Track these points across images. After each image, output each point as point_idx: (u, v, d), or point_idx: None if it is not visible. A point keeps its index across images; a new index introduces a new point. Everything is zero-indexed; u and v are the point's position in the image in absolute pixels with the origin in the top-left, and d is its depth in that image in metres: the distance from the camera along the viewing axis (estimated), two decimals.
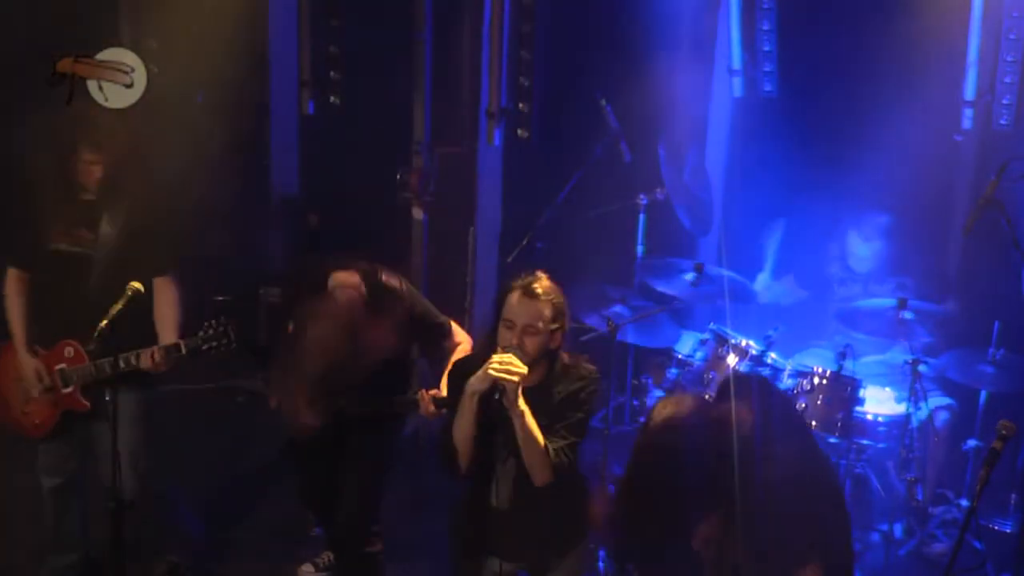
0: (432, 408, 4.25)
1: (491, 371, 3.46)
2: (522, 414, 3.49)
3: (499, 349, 3.54)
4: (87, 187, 4.31)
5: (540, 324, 3.54)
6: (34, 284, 4.43)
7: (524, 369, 3.47)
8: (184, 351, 4.21)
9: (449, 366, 4.09)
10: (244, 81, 6.79)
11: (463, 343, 4.45)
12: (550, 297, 3.58)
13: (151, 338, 4.34)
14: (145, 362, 4.23)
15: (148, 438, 4.46)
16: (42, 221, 4.36)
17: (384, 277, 4.38)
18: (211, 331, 4.16)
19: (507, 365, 3.46)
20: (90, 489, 4.61)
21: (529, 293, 3.56)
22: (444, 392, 4.06)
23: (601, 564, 4.97)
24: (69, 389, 4.33)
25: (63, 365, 4.35)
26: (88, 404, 4.36)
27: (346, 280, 4.26)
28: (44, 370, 4.40)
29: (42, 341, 4.44)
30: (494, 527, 3.72)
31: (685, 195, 5.93)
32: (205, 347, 4.17)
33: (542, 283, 3.61)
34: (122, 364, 4.23)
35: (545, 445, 3.55)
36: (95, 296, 4.27)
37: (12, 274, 4.48)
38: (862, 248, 5.65)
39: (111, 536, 4.12)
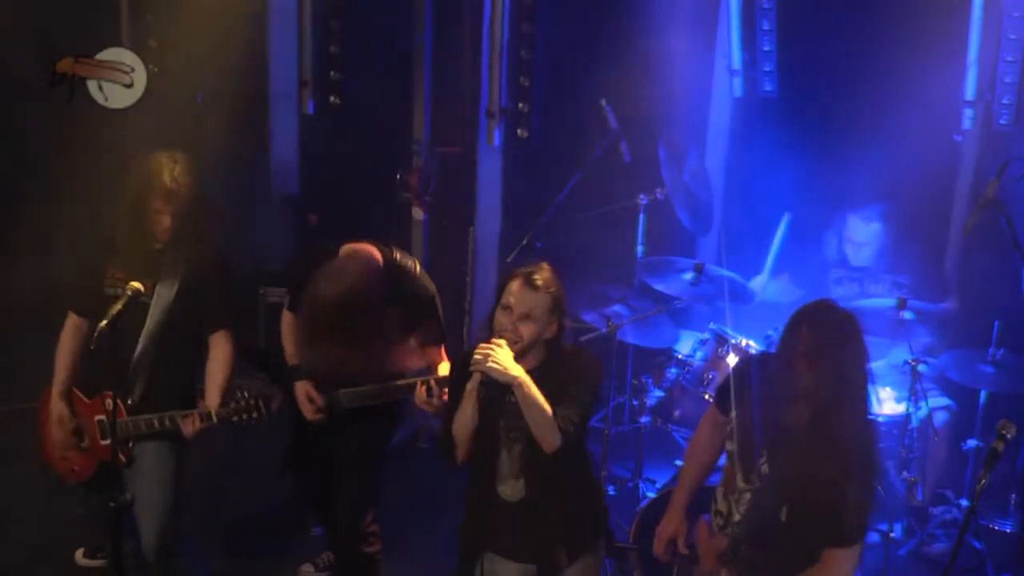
0: (426, 397, 4.26)
1: (474, 366, 3.52)
2: (521, 383, 3.51)
3: (495, 332, 3.59)
4: (156, 236, 4.27)
5: (536, 313, 3.58)
6: (90, 331, 4.34)
7: (503, 348, 3.52)
8: (216, 420, 4.25)
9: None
10: (244, 81, 6.79)
11: (444, 363, 4.45)
12: (550, 289, 3.62)
13: (191, 394, 4.37)
14: (186, 428, 4.26)
15: (174, 500, 4.42)
16: (107, 265, 4.32)
17: (399, 256, 4.44)
18: (242, 403, 4.21)
19: (485, 350, 3.51)
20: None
21: (529, 282, 3.61)
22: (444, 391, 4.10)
23: None
24: (107, 442, 4.28)
25: (102, 417, 4.32)
26: (124, 459, 4.32)
27: (361, 247, 4.34)
28: (69, 418, 4.38)
29: (86, 389, 4.40)
30: (502, 522, 3.72)
31: (685, 195, 5.93)
32: (235, 418, 4.23)
33: (543, 274, 3.65)
34: (157, 424, 4.26)
35: (551, 410, 3.56)
36: (147, 347, 4.28)
37: (71, 319, 4.44)
38: (860, 232, 5.59)
39: (111, 536, 4.12)
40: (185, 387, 4.41)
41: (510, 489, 3.71)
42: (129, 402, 4.28)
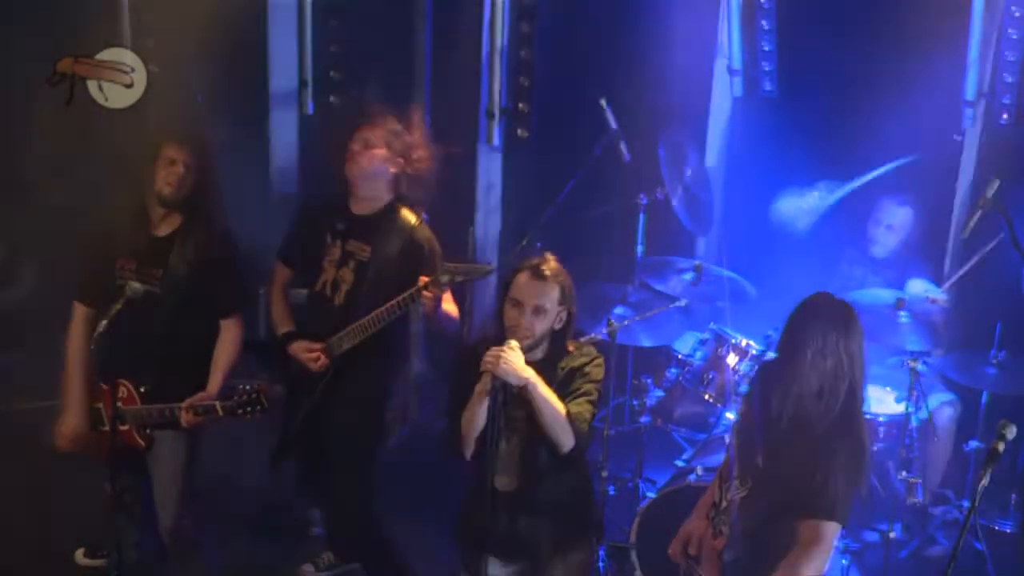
0: (430, 294, 4.26)
1: (485, 367, 3.52)
2: (534, 384, 3.51)
3: (505, 328, 3.59)
4: (163, 193, 4.26)
5: (548, 305, 3.57)
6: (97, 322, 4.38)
7: (514, 350, 3.52)
8: (221, 413, 4.25)
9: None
10: (244, 81, 6.78)
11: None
12: (558, 278, 3.61)
13: (206, 380, 4.37)
14: (184, 420, 4.27)
15: (190, 490, 4.48)
16: (113, 253, 4.33)
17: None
18: (244, 397, 4.21)
19: (496, 352, 3.51)
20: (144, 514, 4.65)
21: (538, 274, 3.59)
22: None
23: (601, 564, 4.97)
24: (125, 427, 4.32)
25: (118, 404, 4.33)
26: (143, 443, 4.37)
27: None
28: (84, 427, 4.39)
29: (104, 375, 4.40)
30: (497, 516, 3.72)
31: (685, 195, 5.93)
32: (240, 411, 4.23)
33: (550, 264, 3.65)
34: (168, 413, 4.29)
35: (566, 410, 3.57)
36: (159, 336, 4.30)
37: (78, 310, 4.45)
38: (894, 214, 5.60)
39: (111, 537, 4.13)
40: (200, 373, 4.39)
41: (506, 481, 3.70)
42: (142, 389, 4.31)
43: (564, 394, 3.61)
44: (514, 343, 3.53)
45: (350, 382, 4.58)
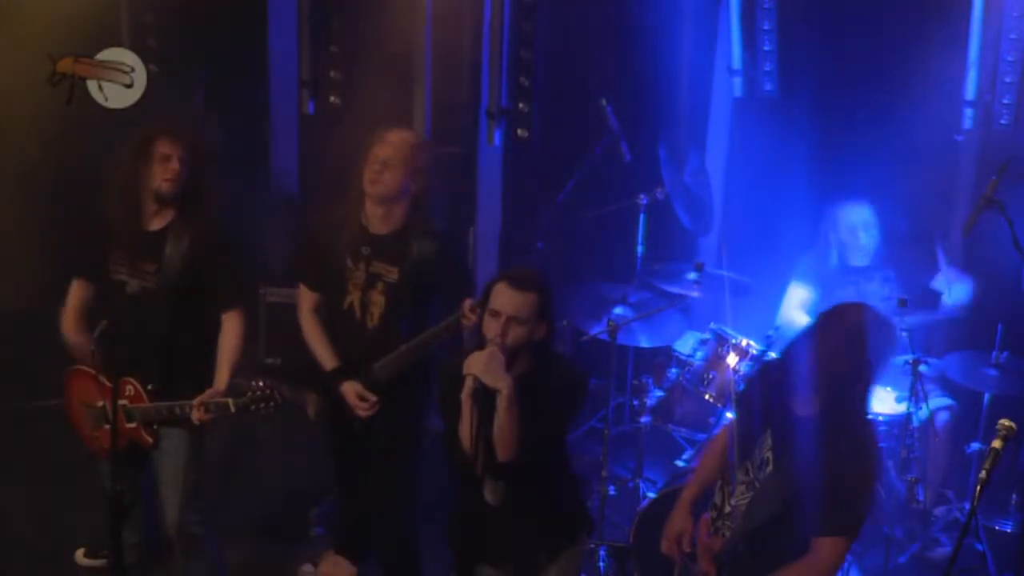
0: (475, 316, 4.20)
1: (467, 370, 3.49)
2: (507, 393, 3.46)
3: (485, 339, 3.56)
4: (161, 189, 4.24)
5: (524, 315, 3.52)
6: (95, 309, 4.38)
7: (495, 353, 3.49)
8: (233, 409, 4.23)
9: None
10: (244, 81, 6.80)
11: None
12: (536, 289, 3.55)
13: (211, 375, 4.36)
14: (195, 417, 4.26)
15: (196, 486, 4.46)
16: (110, 248, 4.32)
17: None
18: (259, 393, 4.20)
19: (477, 356, 3.49)
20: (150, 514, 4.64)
21: (515, 284, 3.54)
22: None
23: (601, 564, 4.97)
24: (133, 425, 4.32)
25: (125, 402, 4.32)
26: (151, 440, 4.36)
27: None
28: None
29: (109, 373, 4.35)
30: (486, 526, 3.71)
31: (685, 195, 5.93)
32: (253, 407, 4.21)
33: (529, 274, 3.61)
34: (177, 411, 4.28)
35: (515, 424, 3.51)
36: (158, 331, 4.29)
37: (76, 285, 4.43)
38: (853, 214, 5.59)
39: (112, 537, 4.13)
40: (206, 369, 4.38)
41: (492, 487, 3.67)
42: (149, 387, 4.30)
43: (536, 412, 3.55)
44: (494, 349, 3.51)
45: (395, 400, 4.54)
